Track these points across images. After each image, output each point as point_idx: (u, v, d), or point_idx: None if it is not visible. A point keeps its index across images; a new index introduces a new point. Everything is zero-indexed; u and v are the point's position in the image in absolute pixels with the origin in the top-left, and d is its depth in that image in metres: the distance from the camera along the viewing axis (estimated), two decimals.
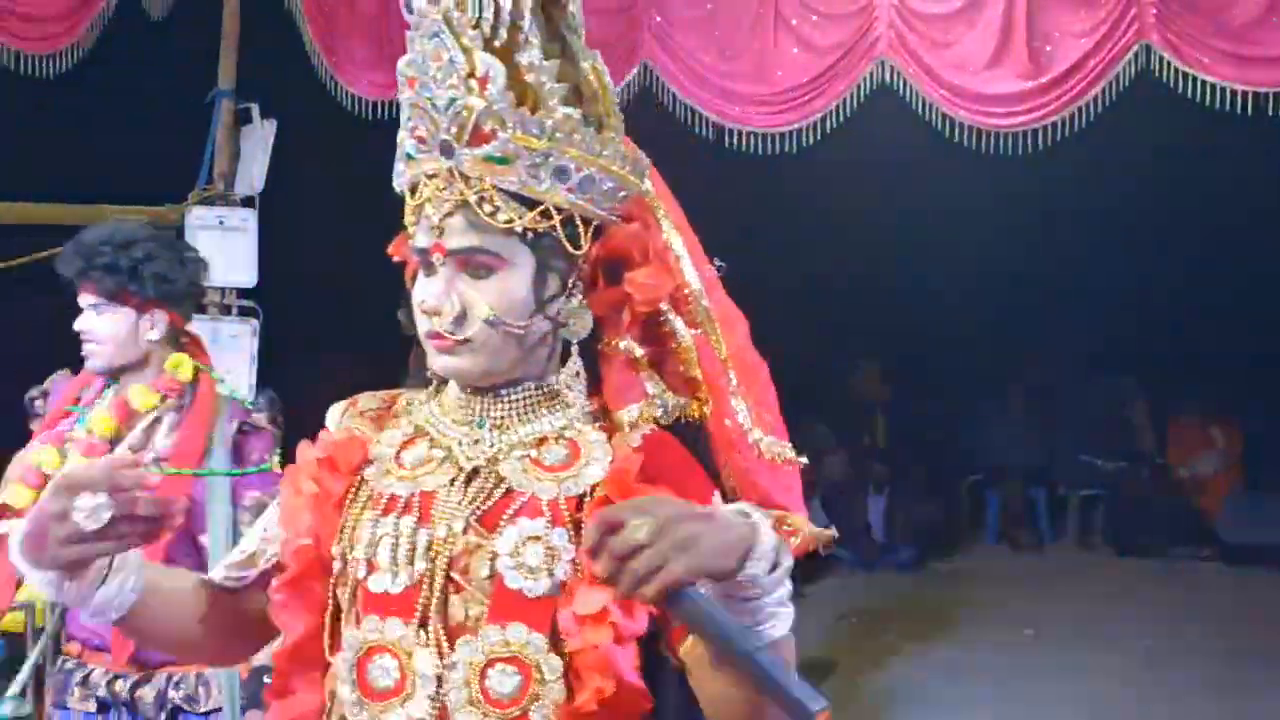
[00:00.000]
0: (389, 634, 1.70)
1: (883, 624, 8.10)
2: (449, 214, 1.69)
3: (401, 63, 1.71)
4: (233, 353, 5.53)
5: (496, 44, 1.67)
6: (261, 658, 2.94)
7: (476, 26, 1.66)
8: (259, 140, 5.73)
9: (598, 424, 1.77)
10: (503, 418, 1.77)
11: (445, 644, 1.68)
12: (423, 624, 1.69)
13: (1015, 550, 10.12)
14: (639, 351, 1.78)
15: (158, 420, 3.36)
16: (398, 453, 1.79)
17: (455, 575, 1.69)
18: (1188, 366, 10.26)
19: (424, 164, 1.71)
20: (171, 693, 3.30)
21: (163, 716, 3.30)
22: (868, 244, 9.51)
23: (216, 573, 1.88)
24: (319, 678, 1.77)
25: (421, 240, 1.72)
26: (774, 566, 1.48)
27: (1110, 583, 9.14)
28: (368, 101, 5.72)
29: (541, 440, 1.75)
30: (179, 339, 3.41)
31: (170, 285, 3.30)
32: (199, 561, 3.25)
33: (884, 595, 8.86)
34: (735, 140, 5.39)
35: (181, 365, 3.37)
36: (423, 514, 1.73)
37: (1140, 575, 9.39)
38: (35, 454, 3.33)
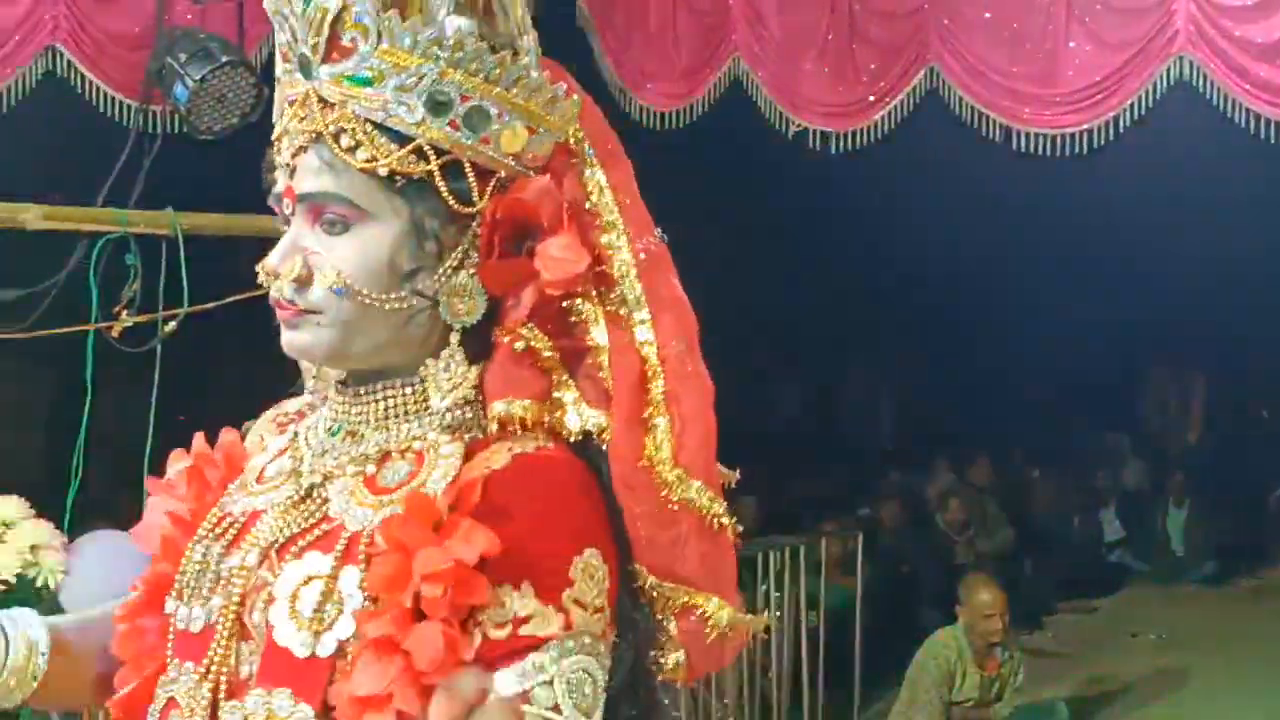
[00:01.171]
0: (184, 684, 1.35)
1: (1181, 642, 7.78)
2: (302, 149, 1.34)
3: None
4: None
5: None
6: None
7: None
8: None
9: (468, 435, 1.36)
10: (360, 425, 1.39)
11: (221, 705, 1.33)
12: (206, 676, 1.34)
13: None
14: (542, 343, 1.36)
15: None
16: (265, 465, 1.45)
17: (245, 618, 1.34)
18: None
19: (287, 86, 1.37)
20: None
21: None
22: (1164, 245, 9.16)
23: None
24: None
25: (278, 183, 1.38)
26: None
27: None
28: (657, 113, 5.81)
29: (387, 455, 1.36)
30: None
31: None
32: None
33: (1183, 612, 8.51)
34: (1023, 142, 5.26)
35: None
36: (237, 538, 1.38)
37: None
38: None
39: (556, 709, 1.23)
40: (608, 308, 1.37)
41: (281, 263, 1.34)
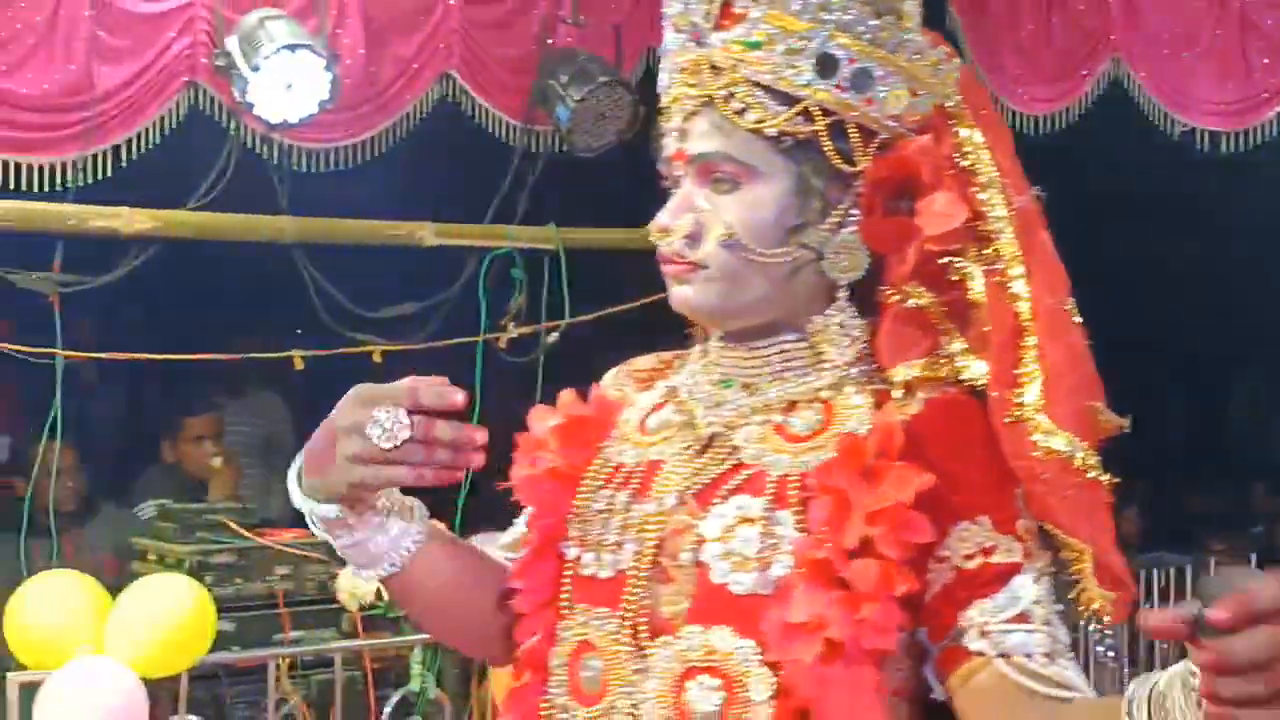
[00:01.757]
0: (598, 628, 1.40)
1: None
2: (693, 113, 1.38)
3: None
4: None
5: None
6: None
7: None
8: None
9: (870, 386, 1.39)
10: (754, 376, 1.42)
11: (647, 639, 1.37)
12: (626, 619, 1.38)
13: None
14: (927, 299, 1.39)
15: None
16: (644, 418, 1.50)
17: (665, 561, 1.38)
18: None
19: (677, 55, 1.41)
20: None
21: None
22: None
23: (493, 551, 1.59)
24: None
25: (667, 148, 1.43)
26: None
27: None
28: (1029, 117, 5.68)
29: (793, 405, 1.40)
30: None
31: None
32: None
33: None
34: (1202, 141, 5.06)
35: None
36: (642, 486, 1.43)
37: None
38: None
39: (1048, 625, 1.28)
40: (984, 264, 1.38)
41: (672, 220, 1.40)
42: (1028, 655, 1.28)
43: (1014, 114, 5.70)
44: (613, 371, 1.62)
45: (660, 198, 1.48)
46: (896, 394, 1.37)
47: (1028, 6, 5.62)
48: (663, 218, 1.41)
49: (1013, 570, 1.29)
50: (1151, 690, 1.08)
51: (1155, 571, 5.89)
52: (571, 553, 1.44)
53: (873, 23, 1.35)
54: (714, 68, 1.36)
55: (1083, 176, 8.28)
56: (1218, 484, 9.43)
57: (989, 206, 1.39)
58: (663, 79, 1.45)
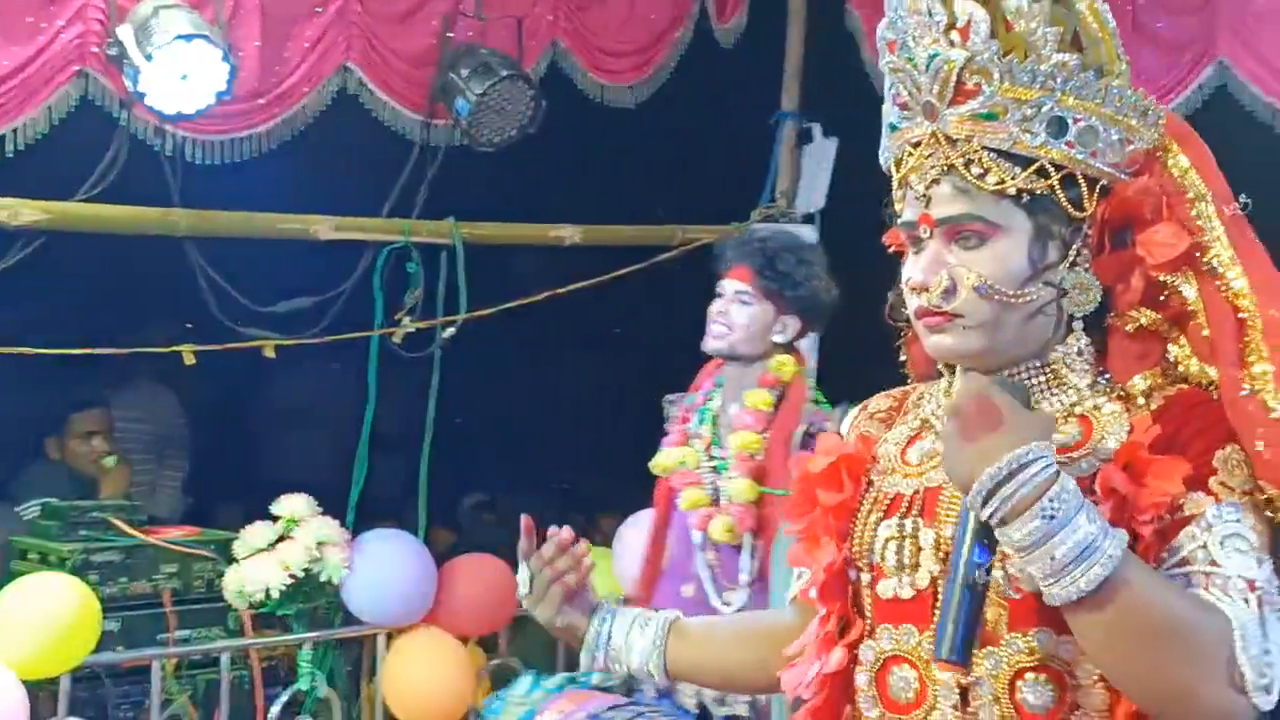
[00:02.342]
0: (905, 642, 1.58)
1: None
2: (934, 181, 1.55)
3: (881, 26, 1.60)
4: None
5: None
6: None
7: None
8: (820, 159, 5.85)
9: (1113, 394, 1.58)
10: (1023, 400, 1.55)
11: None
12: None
13: None
14: (1151, 317, 1.59)
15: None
16: (904, 449, 1.68)
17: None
18: None
19: (907, 132, 1.59)
20: (705, 691, 3.44)
21: (697, 712, 3.44)
22: None
23: (791, 595, 1.84)
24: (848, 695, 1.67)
25: (908, 213, 1.59)
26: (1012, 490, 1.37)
27: None
28: None
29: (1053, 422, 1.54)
30: (792, 345, 3.58)
31: (815, 302, 3.49)
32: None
33: None
34: None
35: (785, 366, 3.55)
36: (927, 511, 1.59)
37: None
38: (666, 458, 3.57)
39: (1186, 561, 1.47)
40: (1201, 270, 1.56)
41: (928, 277, 1.56)
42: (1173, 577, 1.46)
43: None
44: (852, 415, 1.82)
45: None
46: (1139, 401, 1.56)
47: None
48: (917, 275, 1.57)
49: (1190, 519, 1.48)
50: None
51: None
52: (867, 578, 1.63)
53: (1094, 84, 1.53)
54: (949, 139, 1.53)
55: None
56: None
57: (1202, 219, 1.56)
58: (887, 153, 1.64)
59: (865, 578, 1.63)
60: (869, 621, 1.63)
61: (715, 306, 3.52)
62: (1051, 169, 1.53)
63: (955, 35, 1.52)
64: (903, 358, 1.82)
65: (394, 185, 5.17)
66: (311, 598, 4.32)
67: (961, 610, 1.42)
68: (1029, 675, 1.51)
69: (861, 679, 1.63)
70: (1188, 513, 1.48)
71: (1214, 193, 1.58)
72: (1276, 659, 1.43)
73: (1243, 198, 1.62)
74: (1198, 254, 1.56)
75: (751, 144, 6.09)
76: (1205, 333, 1.58)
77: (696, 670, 1.88)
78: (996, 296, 1.53)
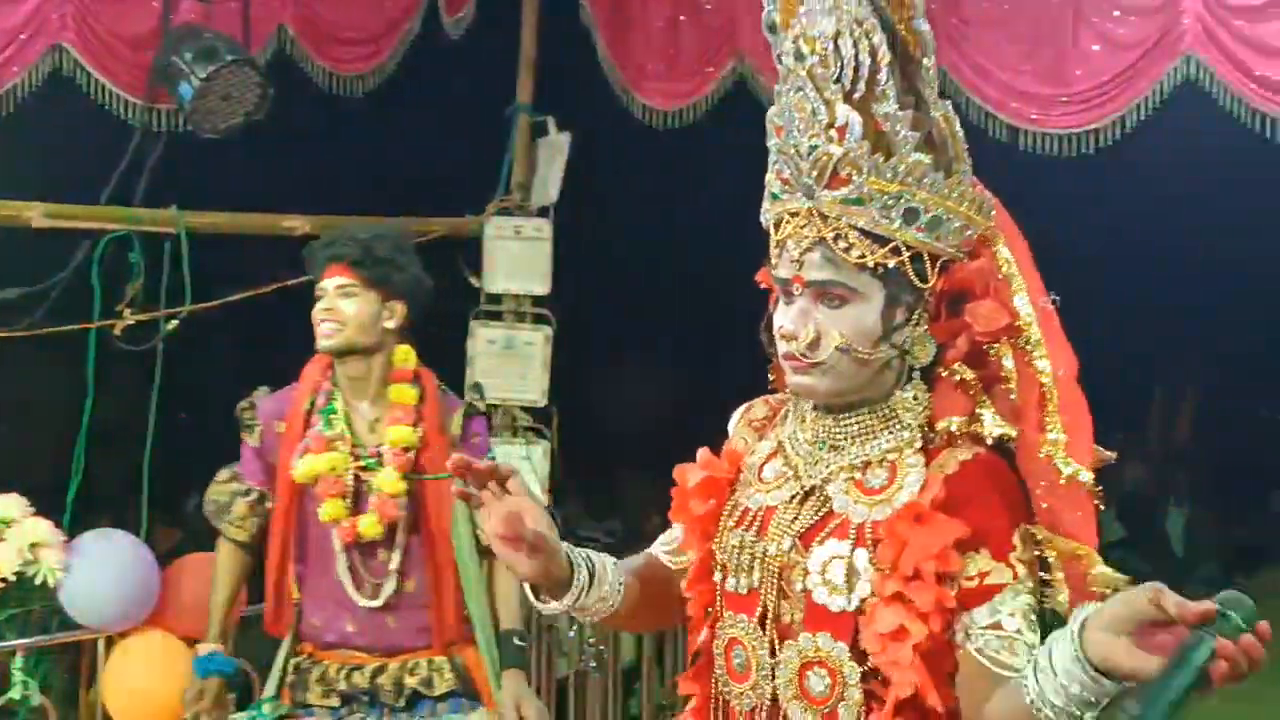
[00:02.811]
0: (738, 629, 1.96)
1: None
2: (808, 249, 1.87)
3: (771, 112, 1.91)
4: (526, 359, 5.69)
5: (855, 97, 1.83)
6: (508, 623, 3.59)
7: (838, 81, 1.83)
8: (554, 152, 5.87)
9: (924, 444, 1.93)
10: (841, 441, 1.95)
11: (776, 643, 1.92)
12: (760, 623, 1.93)
13: None
14: (970, 375, 1.92)
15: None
16: (761, 466, 2.04)
17: (783, 584, 1.92)
18: None
19: (787, 203, 1.90)
20: (408, 679, 3.45)
21: (402, 702, 3.45)
22: (1172, 249, 9.14)
23: (657, 549, 2.20)
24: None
25: (783, 271, 1.91)
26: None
27: None
28: (659, 112, 5.80)
29: (867, 464, 1.92)
30: (404, 333, 3.58)
31: (416, 285, 3.50)
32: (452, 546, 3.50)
33: None
34: (1031, 142, 5.24)
35: (409, 356, 3.55)
36: (762, 527, 1.97)
37: None
38: (313, 465, 3.50)
39: (1018, 632, 1.81)
40: (1017, 347, 1.91)
41: (797, 329, 1.89)
42: (994, 651, 1.82)
43: (645, 108, 5.82)
44: (736, 418, 2.15)
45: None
46: (938, 441, 1.91)
47: (656, 4, 5.74)
48: (788, 325, 1.90)
49: (999, 589, 1.83)
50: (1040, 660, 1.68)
51: None
52: (718, 575, 2.00)
53: (941, 181, 1.86)
54: (822, 215, 1.85)
55: (712, 171, 8.56)
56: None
57: (1021, 307, 1.91)
58: (767, 215, 1.95)
59: (718, 574, 2.00)
60: (720, 607, 2.00)
61: (320, 306, 3.47)
62: (904, 248, 1.85)
63: (834, 133, 1.83)
64: (770, 377, 2.14)
65: (113, 172, 4.97)
66: (25, 602, 4.13)
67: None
68: (814, 668, 1.89)
69: (716, 652, 2.01)
70: (995, 581, 1.84)
71: (1029, 286, 1.93)
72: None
73: (1052, 294, 1.95)
74: (1013, 336, 1.91)
75: (487, 137, 6.08)
76: (1013, 397, 1.92)
77: (630, 614, 2.09)
78: (855, 354, 1.88)
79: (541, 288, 5.82)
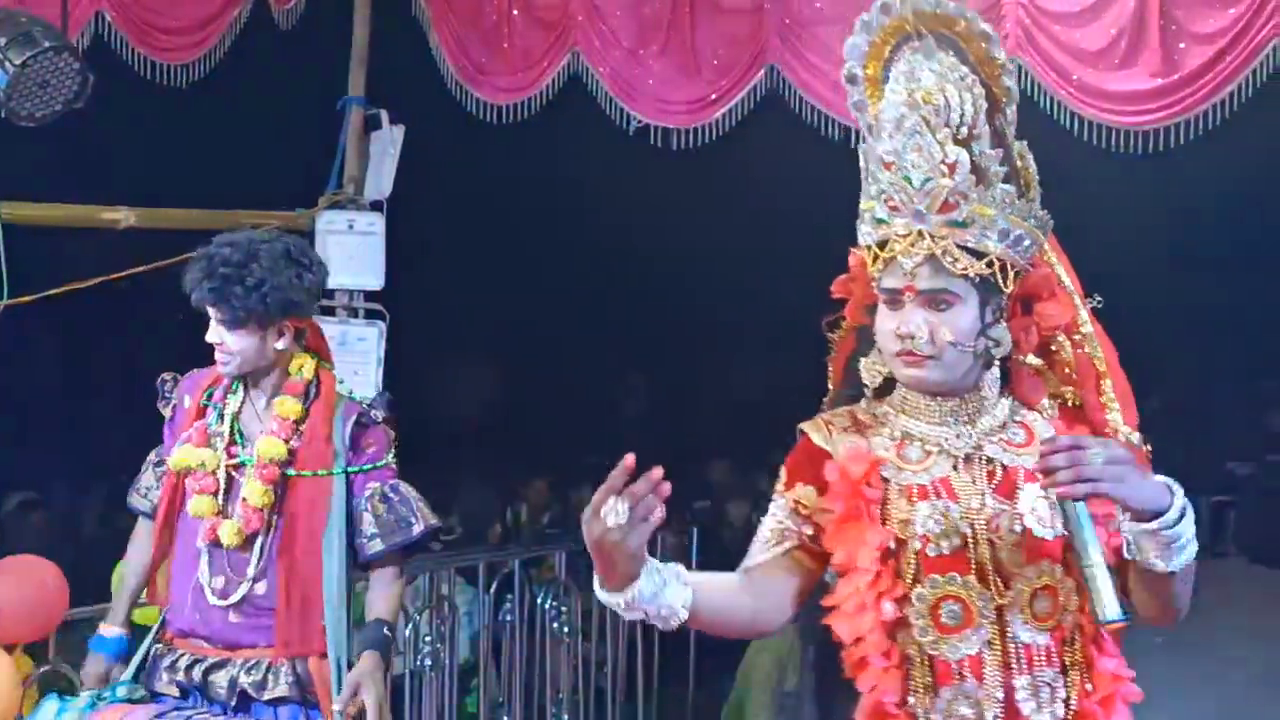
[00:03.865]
0: (951, 586, 2.26)
1: None
2: (920, 263, 2.24)
3: (881, 149, 2.26)
4: (360, 355, 5.63)
5: (960, 137, 2.22)
6: (381, 614, 3.50)
7: (947, 125, 2.22)
8: (387, 145, 5.82)
9: (1027, 412, 2.35)
10: (970, 416, 2.32)
11: (1001, 585, 2.25)
12: (979, 576, 2.25)
13: None
14: (1039, 363, 2.37)
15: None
16: (898, 452, 2.34)
17: (989, 535, 2.26)
18: None
19: (896, 226, 2.27)
20: (243, 677, 3.41)
21: (234, 701, 3.41)
22: None
23: (755, 558, 2.39)
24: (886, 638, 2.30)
25: (892, 282, 2.27)
26: (1180, 518, 2.08)
27: (1243, 591, 8.91)
28: (493, 106, 5.78)
29: (1003, 426, 2.32)
30: (302, 337, 3.53)
31: (293, 300, 3.41)
32: (318, 551, 3.40)
33: None
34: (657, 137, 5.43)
35: (305, 366, 3.50)
36: (949, 493, 2.29)
37: (1275, 583, 9.15)
38: (186, 456, 3.44)
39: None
40: (1074, 339, 2.37)
41: (916, 331, 2.24)
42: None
43: (479, 102, 5.80)
44: (818, 430, 2.40)
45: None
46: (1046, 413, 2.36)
47: None
48: (906, 328, 2.25)
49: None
50: None
51: None
52: (916, 545, 2.28)
53: (1022, 206, 2.27)
54: (931, 235, 2.23)
55: (547, 166, 8.57)
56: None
57: (1077, 309, 2.37)
58: (872, 236, 2.30)
59: (916, 545, 2.28)
60: (918, 574, 2.28)
61: (211, 335, 3.42)
62: (995, 261, 2.24)
63: (944, 167, 2.21)
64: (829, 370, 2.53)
65: None
66: None
67: (1109, 578, 2.09)
68: (1039, 593, 2.25)
69: (916, 614, 2.28)
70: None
71: (1073, 287, 2.38)
72: None
73: (1096, 297, 2.40)
74: (1073, 329, 2.36)
75: (319, 130, 5.99)
76: (1067, 373, 2.39)
77: (713, 617, 2.28)
78: (960, 348, 2.25)
79: (375, 283, 5.76)
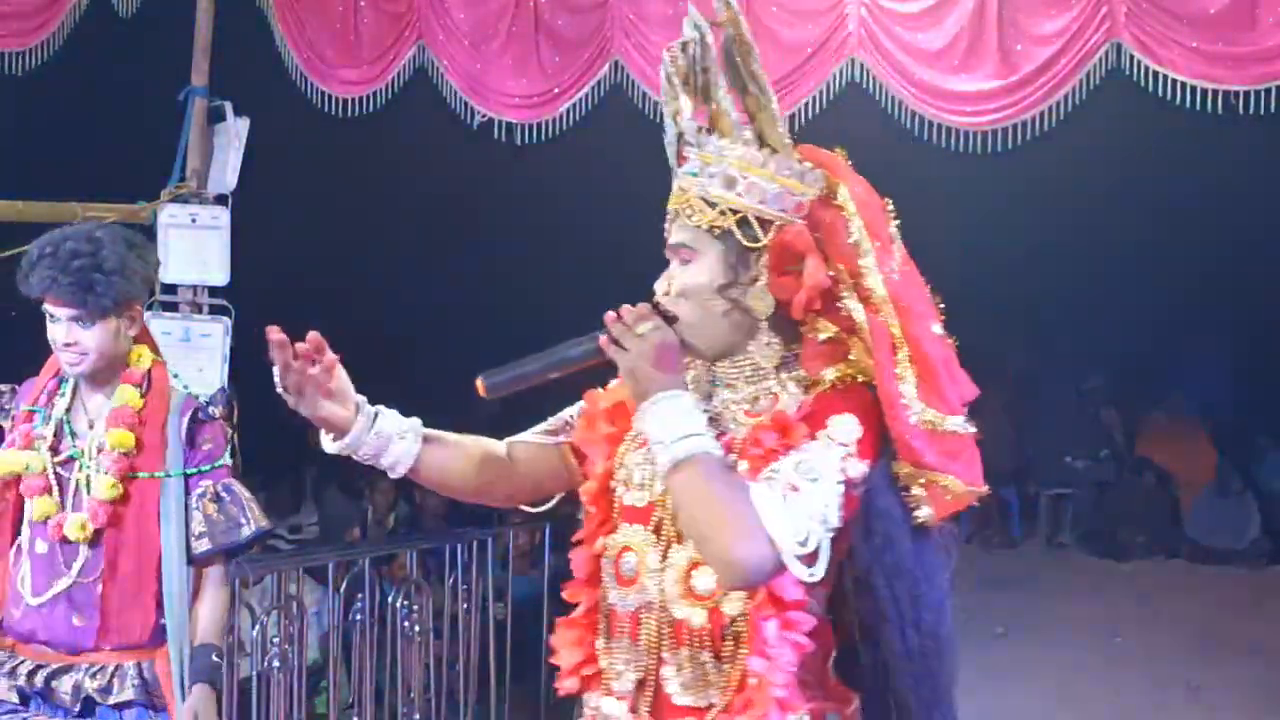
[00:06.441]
0: (633, 537, 2.25)
1: None
2: (673, 219, 2.23)
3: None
4: (205, 351, 5.52)
5: (697, 88, 2.20)
6: (208, 637, 3.45)
7: (686, 80, 2.21)
8: (232, 138, 5.71)
9: (802, 383, 2.20)
10: (735, 380, 2.22)
11: (668, 548, 2.20)
12: (656, 530, 2.22)
13: (986, 550, 10.16)
14: (831, 330, 2.21)
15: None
16: None
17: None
18: (1158, 366, 10.29)
19: (674, 185, 2.25)
20: (88, 683, 3.34)
21: (78, 707, 3.34)
22: None
23: (524, 436, 2.44)
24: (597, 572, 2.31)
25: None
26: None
27: (1080, 581, 9.19)
28: (338, 99, 5.72)
29: (757, 398, 2.20)
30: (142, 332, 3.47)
31: (138, 284, 3.35)
32: (155, 548, 3.35)
33: None
34: (501, 131, 5.46)
35: (142, 357, 3.44)
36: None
37: (1109, 573, 9.45)
38: (10, 462, 3.36)
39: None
40: (869, 304, 2.17)
41: (659, 286, 2.22)
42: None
43: (326, 95, 5.73)
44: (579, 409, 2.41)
45: None
46: (824, 387, 2.17)
47: None
48: (660, 284, 2.22)
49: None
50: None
51: (459, 546, 6.13)
52: (620, 490, 2.29)
53: (757, 154, 2.17)
54: (681, 190, 2.22)
55: (395, 159, 8.49)
56: None
57: (866, 270, 2.17)
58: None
59: (620, 489, 2.28)
60: (615, 519, 2.28)
61: (57, 335, 3.33)
62: (729, 212, 2.16)
63: (677, 118, 2.21)
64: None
65: None
66: None
67: (528, 373, 2.15)
68: (701, 567, 2.15)
69: (606, 560, 2.28)
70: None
71: (882, 250, 2.19)
72: (804, 525, 2.04)
73: (894, 267, 2.19)
74: (861, 292, 2.17)
75: (161, 121, 5.87)
76: (866, 342, 2.19)
77: (440, 475, 2.37)
78: (692, 302, 2.18)
79: (220, 278, 5.65)
